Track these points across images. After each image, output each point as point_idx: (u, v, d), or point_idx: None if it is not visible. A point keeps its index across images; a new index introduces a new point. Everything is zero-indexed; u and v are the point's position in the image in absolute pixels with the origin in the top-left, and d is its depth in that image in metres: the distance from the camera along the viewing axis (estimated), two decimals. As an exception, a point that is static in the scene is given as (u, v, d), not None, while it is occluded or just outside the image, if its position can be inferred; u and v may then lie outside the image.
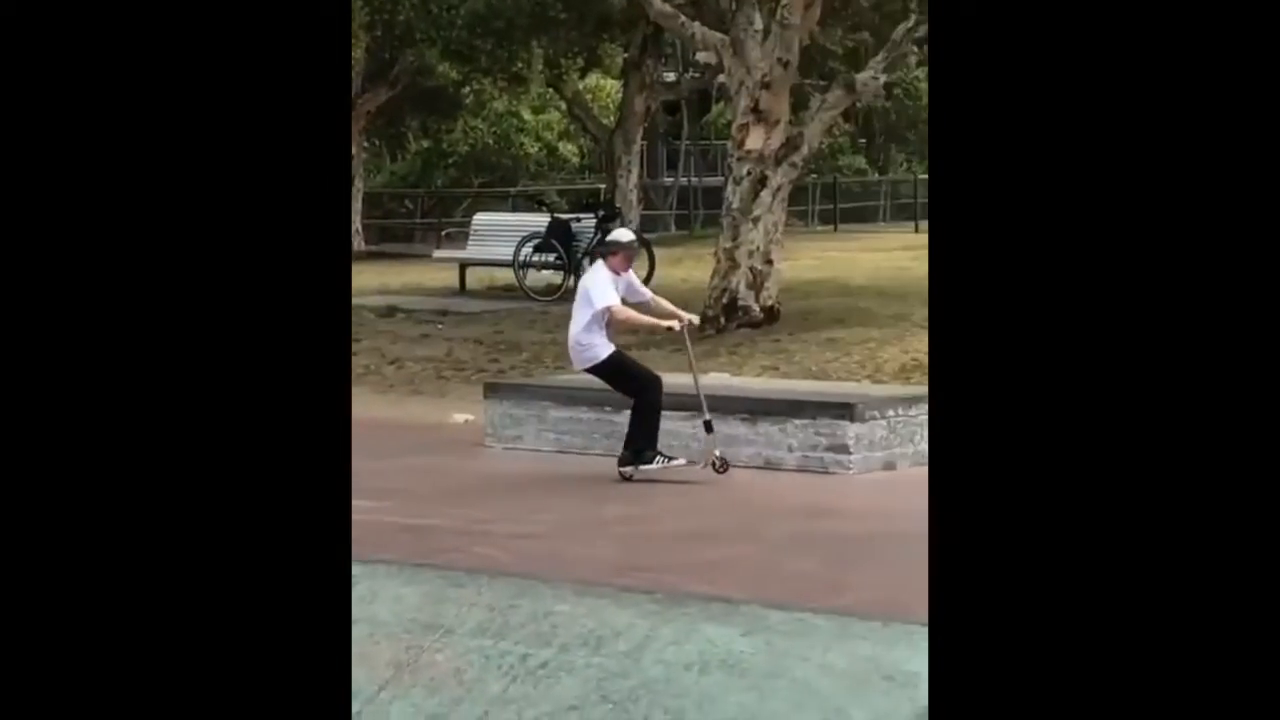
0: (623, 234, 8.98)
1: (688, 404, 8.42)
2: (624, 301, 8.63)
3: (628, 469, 8.40)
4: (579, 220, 17.13)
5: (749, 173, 12.83)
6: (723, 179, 15.91)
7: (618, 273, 8.60)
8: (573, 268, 15.91)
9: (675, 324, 8.60)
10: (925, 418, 6.97)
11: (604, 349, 8.45)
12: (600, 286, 8.42)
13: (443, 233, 25.34)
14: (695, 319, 8.97)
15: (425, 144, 33.24)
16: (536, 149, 32.84)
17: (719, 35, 13.29)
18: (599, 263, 8.68)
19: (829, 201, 30.61)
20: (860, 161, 35.90)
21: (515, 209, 26.33)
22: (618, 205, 19.85)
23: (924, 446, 7.54)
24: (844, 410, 8.18)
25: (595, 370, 8.53)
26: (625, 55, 23.46)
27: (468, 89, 26.97)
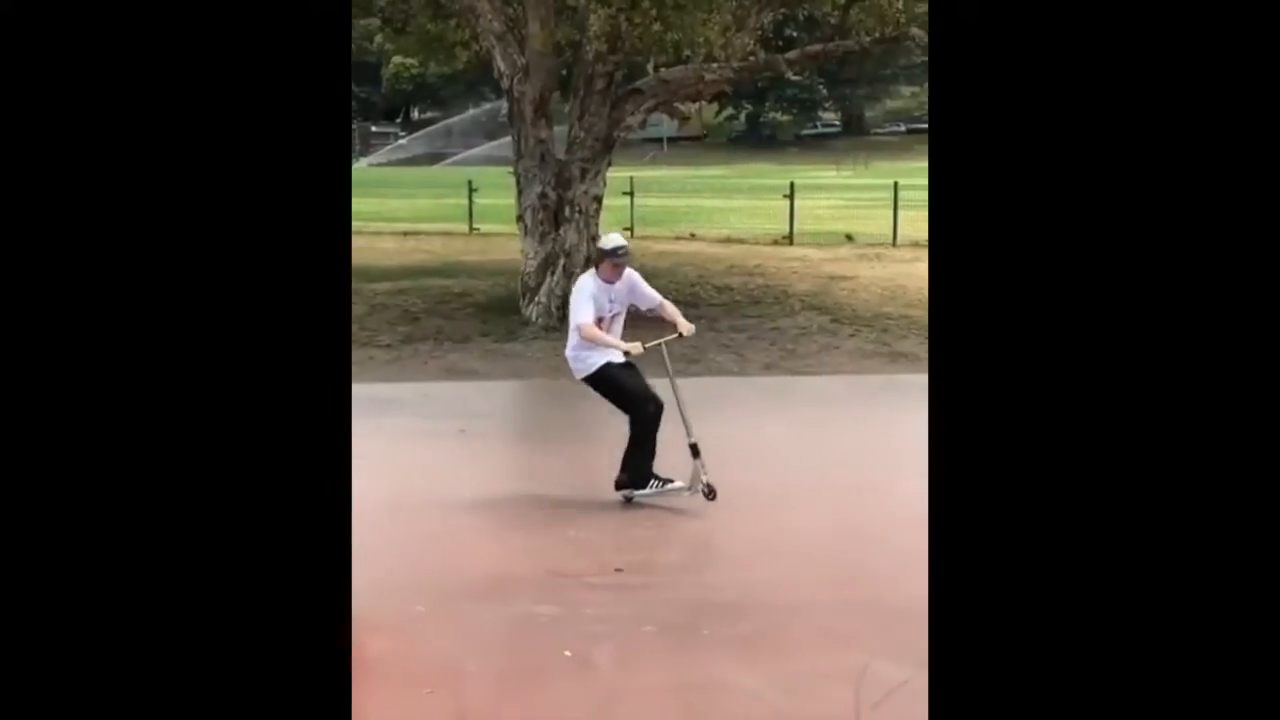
0: (608, 240, 8.16)
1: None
2: (616, 311, 8.06)
3: (626, 491, 8.07)
4: None
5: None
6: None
7: (610, 282, 7.99)
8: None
9: (636, 347, 7.87)
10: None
11: (595, 360, 7.99)
12: (579, 300, 7.88)
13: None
14: (690, 328, 8.17)
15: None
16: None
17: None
18: (589, 272, 8.10)
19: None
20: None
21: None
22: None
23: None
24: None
25: (588, 381, 8.12)
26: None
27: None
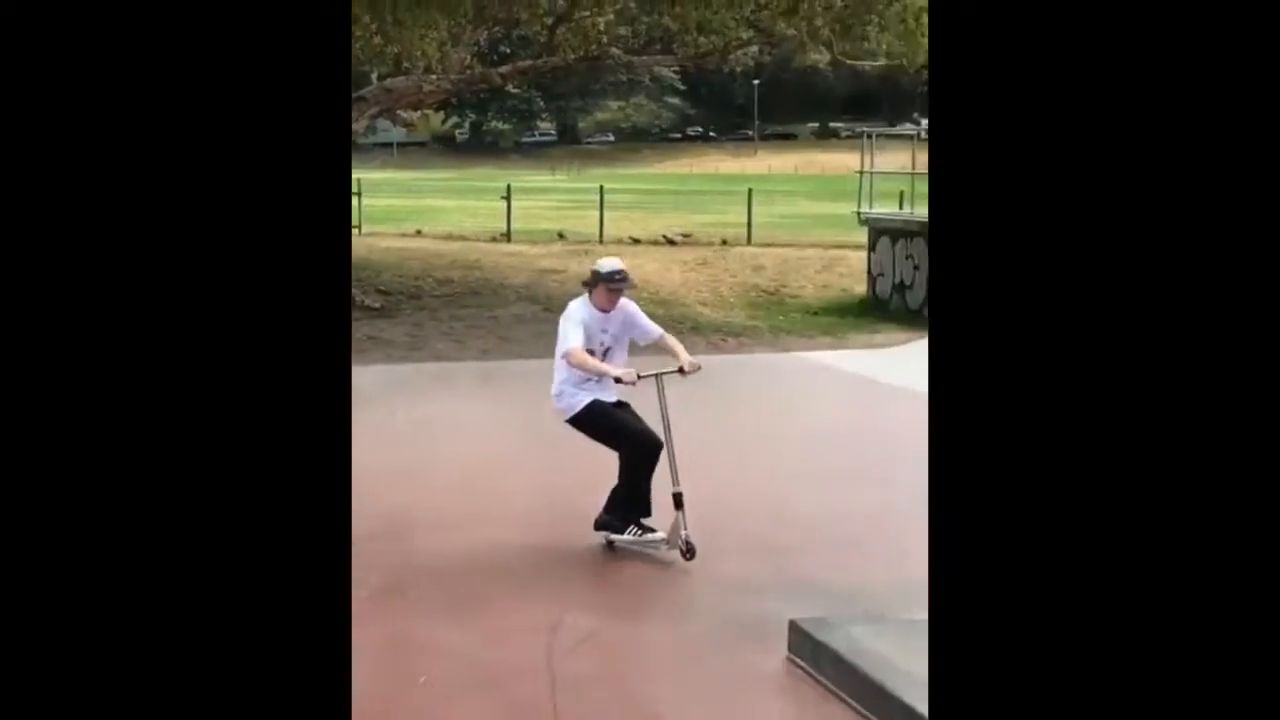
0: (603, 263, 7.13)
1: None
2: (608, 345, 7.09)
3: (606, 533, 7.23)
4: None
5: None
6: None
7: (604, 311, 7.01)
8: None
9: (630, 373, 6.75)
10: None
11: (581, 398, 7.05)
12: (566, 326, 6.92)
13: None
14: (696, 363, 7.15)
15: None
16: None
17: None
18: (581, 298, 7.09)
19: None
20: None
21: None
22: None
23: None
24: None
25: (573, 422, 7.18)
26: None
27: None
